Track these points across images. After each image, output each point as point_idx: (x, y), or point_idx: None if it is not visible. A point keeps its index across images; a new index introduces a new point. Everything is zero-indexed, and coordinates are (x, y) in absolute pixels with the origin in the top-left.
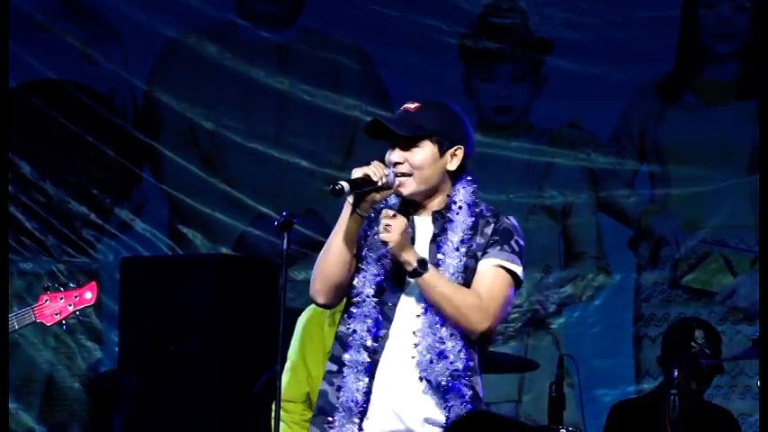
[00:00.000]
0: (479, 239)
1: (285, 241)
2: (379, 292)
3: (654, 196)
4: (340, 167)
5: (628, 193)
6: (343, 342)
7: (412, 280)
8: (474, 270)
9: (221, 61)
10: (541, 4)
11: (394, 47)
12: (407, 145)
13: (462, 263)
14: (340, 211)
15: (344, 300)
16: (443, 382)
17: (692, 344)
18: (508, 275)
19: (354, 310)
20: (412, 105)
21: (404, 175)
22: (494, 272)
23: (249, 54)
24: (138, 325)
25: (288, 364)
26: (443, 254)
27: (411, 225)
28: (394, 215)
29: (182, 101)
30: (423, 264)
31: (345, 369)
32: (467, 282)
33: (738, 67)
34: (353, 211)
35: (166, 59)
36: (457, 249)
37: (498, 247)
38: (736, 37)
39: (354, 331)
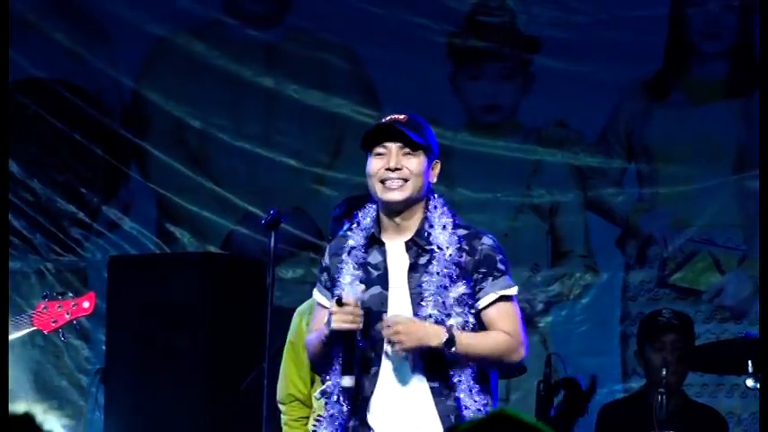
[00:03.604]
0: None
1: (273, 240)
2: (363, 329)
3: (641, 195)
4: (328, 166)
5: (615, 192)
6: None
7: (390, 312)
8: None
9: (209, 60)
10: (530, 3)
11: (382, 45)
12: (404, 152)
13: (447, 298)
14: (328, 211)
15: None
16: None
17: (659, 317)
18: (511, 299)
19: (338, 356)
20: (401, 116)
21: (402, 180)
22: (499, 306)
23: (237, 53)
24: (126, 323)
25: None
26: (429, 290)
27: (383, 254)
28: (393, 324)
29: (170, 99)
30: (450, 341)
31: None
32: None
33: (726, 65)
34: None
35: (154, 58)
36: (446, 288)
37: (491, 279)
38: (724, 36)
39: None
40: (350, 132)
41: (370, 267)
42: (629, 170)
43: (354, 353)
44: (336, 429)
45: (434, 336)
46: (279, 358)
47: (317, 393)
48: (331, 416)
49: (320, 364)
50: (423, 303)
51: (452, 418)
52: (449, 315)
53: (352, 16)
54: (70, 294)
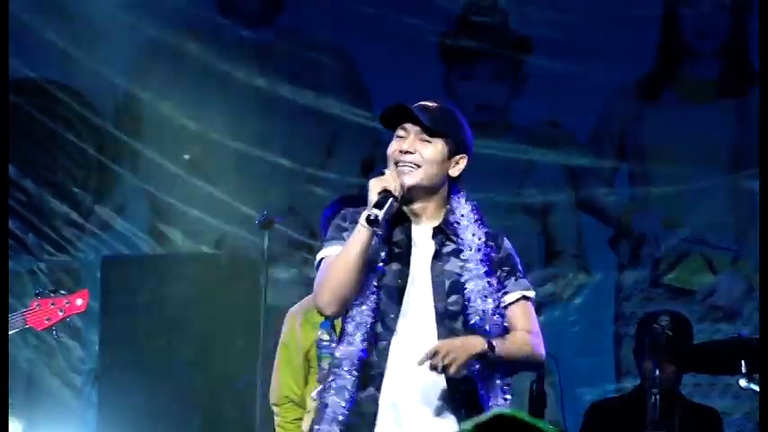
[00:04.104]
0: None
1: (266, 240)
2: (378, 302)
3: (634, 195)
4: (320, 166)
5: (608, 192)
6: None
7: (408, 291)
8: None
9: (202, 60)
10: (522, 3)
11: (374, 45)
12: (421, 138)
13: (491, 284)
14: (321, 211)
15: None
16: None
17: (655, 325)
18: (530, 300)
19: (352, 324)
20: (430, 103)
21: (413, 164)
22: (522, 305)
23: (230, 53)
24: (119, 323)
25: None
26: (466, 278)
27: (408, 236)
28: (440, 350)
29: (163, 99)
30: (491, 345)
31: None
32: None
33: (719, 65)
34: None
35: (147, 58)
36: (485, 279)
37: (513, 278)
38: (716, 35)
39: (353, 348)
40: (342, 132)
41: (392, 244)
42: (622, 170)
43: (387, 202)
44: (345, 400)
45: (478, 343)
46: (272, 358)
47: (313, 394)
48: (341, 387)
49: (339, 288)
50: (466, 287)
51: (464, 398)
52: (487, 302)
53: (344, 16)
54: (63, 292)
